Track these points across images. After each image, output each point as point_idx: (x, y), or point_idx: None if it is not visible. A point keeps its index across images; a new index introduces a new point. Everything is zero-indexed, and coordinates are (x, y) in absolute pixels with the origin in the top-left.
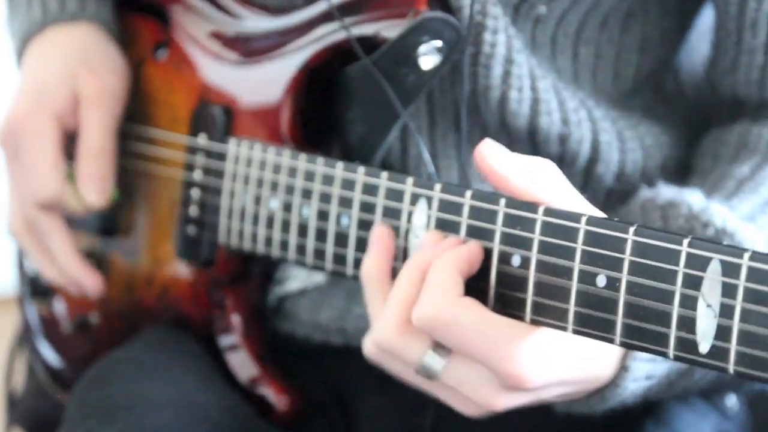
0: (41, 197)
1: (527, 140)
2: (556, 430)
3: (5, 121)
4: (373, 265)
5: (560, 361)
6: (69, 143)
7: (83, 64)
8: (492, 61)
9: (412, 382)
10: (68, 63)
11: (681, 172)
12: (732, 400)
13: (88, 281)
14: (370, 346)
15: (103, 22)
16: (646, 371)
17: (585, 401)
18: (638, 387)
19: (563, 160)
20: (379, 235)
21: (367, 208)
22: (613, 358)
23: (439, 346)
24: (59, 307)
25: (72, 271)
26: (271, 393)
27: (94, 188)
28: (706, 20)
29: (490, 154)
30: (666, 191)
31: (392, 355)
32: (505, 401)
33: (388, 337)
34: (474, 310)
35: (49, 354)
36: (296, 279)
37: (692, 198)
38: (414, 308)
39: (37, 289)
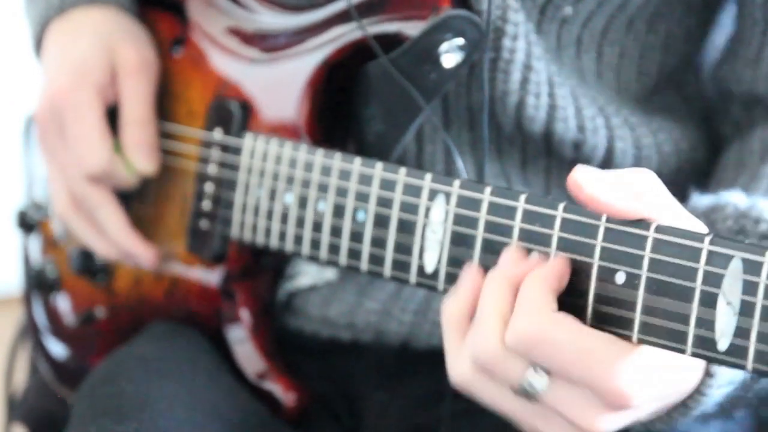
0: (93, 169)
1: (542, 144)
2: None
3: (45, 99)
4: (458, 307)
5: (661, 378)
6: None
7: (117, 37)
8: (511, 67)
9: (507, 408)
10: (102, 37)
11: (696, 176)
12: None
13: (143, 252)
14: (464, 368)
15: (122, 6)
16: (729, 377)
17: (667, 416)
18: (720, 394)
19: (576, 164)
20: (472, 274)
21: (384, 203)
22: (698, 368)
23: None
24: (64, 301)
25: (126, 243)
26: (278, 388)
27: (144, 155)
28: (728, 17)
29: (587, 182)
30: (703, 199)
31: (492, 372)
32: (608, 424)
33: (492, 351)
34: (571, 326)
35: (55, 349)
36: (307, 275)
37: (735, 197)
38: (508, 328)
39: (42, 282)
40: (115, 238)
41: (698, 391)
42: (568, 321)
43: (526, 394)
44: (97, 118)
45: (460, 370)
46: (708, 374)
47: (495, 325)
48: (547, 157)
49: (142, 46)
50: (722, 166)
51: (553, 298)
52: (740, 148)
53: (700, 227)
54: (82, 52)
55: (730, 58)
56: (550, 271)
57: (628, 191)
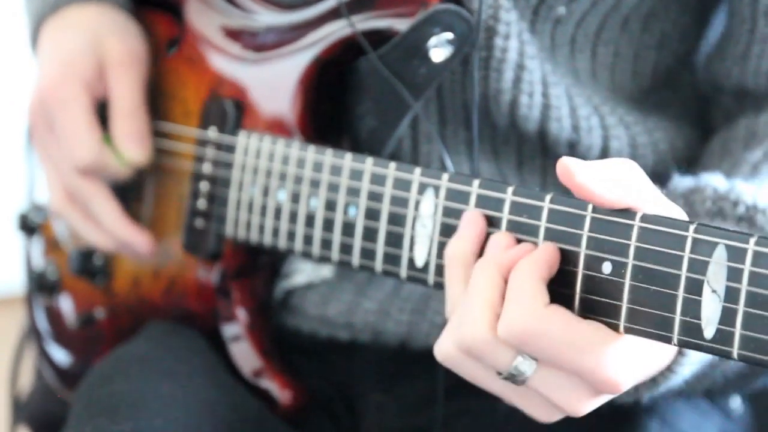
0: (82, 162)
1: (537, 142)
2: (562, 430)
3: (35, 94)
4: (462, 246)
5: (644, 361)
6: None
7: (106, 30)
8: (503, 66)
9: (489, 387)
10: (90, 32)
11: (692, 173)
12: (736, 402)
13: (139, 241)
14: (449, 348)
15: (116, 3)
16: (700, 355)
17: (634, 390)
18: (689, 372)
19: None
20: (474, 219)
21: (375, 197)
22: (672, 347)
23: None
24: (65, 302)
25: (121, 233)
26: (274, 387)
27: (135, 145)
28: (724, 15)
29: (577, 169)
30: (683, 180)
31: (480, 358)
32: (591, 405)
33: (481, 339)
34: (563, 318)
35: (56, 351)
36: (303, 273)
37: (714, 180)
38: (500, 320)
39: (44, 284)
40: (110, 228)
41: (669, 369)
42: (559, 314)
43: (513, 378)
44: (84, 111)
45: (445, 349)
46: (680, 352)
47: (484, 313)
48: (543, 156)
49: (130, 39)
50: (708, 152)
51: (544, 286)
52: (726, 136)
53: (682, 214)
54: (70, 48)
55: (719, 55)
56: (539, 258)
57: (615, 181)
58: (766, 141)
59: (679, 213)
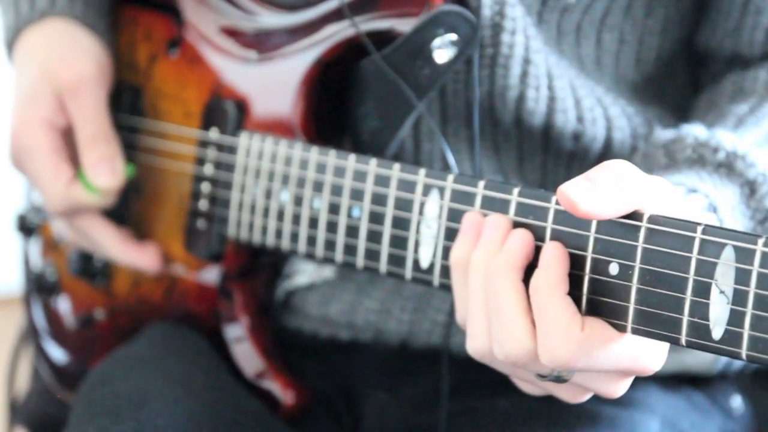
0: (53, 210)
1: (540, 137)
2: (563, 428)
3: (10, 138)
4: (467, 250)
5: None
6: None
7: (54, 59)
8: (510, 62)
9: (525, 381)
10: (41, 63)
11: None
12: (737, 401)
13: (144, 262)
14: (486, 350)
15: (75, 17)
16: None
17: None
18: None
19: (575, 156)
20: (475, 221)
21: (379, 199)
22: None
23: None
24: (64, 303)
25: (124, 258)
26: (276, 387)
27: (104, 171)
28: None
29: (581, 199)
30: (664, 132)
31: (524, 366)
32: (626, 386)
33: (525, 352)
34: (601, 338)
35: (54, 352)
36: (304, 273)
37: (695, 129)
38: (540, 349)
39: (42, 285)
40: (113, 256)
41: None
42: (597, 333)
43: (558, 380)
44: (47, 156)
45: (481, 349)
46: None
47: (523, 327)
48: (544, 153)
49: (79, 62)
50: (694, 108)
51: (569, 303)
52: (712, 91)
53: (680, 191)
54: (26, 87)
55: (710, 29)
56: (557, 271)
57: (615, 190)
58: (753, 97)
59: (679, 190)
